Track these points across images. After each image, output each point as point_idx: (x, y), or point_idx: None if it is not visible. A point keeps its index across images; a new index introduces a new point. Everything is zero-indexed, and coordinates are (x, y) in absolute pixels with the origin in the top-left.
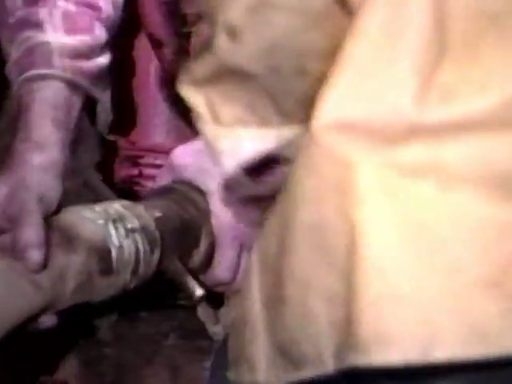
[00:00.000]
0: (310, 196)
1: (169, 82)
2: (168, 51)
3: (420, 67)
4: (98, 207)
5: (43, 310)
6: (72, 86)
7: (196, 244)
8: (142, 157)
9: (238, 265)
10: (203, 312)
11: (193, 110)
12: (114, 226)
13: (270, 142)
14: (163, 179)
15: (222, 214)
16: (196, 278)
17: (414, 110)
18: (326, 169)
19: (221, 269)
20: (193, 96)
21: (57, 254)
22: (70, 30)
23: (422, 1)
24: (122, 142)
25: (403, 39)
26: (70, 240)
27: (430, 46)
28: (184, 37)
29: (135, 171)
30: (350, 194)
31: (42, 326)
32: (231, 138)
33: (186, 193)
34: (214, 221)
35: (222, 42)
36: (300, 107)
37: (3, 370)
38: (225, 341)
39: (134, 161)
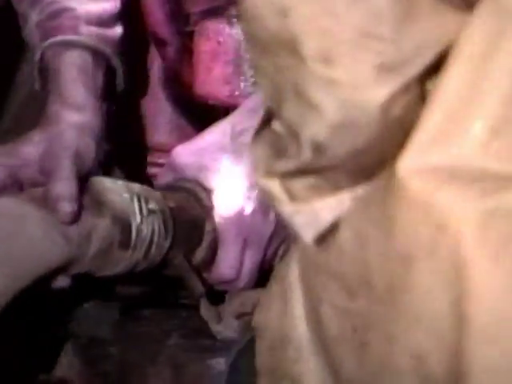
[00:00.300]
0: (393, 252)
1: (171, 81)
2: (171, 50)
3: (496, 127)
4: (122, 182)
5: (67, 266)
6: (96, 53)
7: (199, 241)
8: None
9: (241, 262)
10: (206, 311)
11: (266, 193)
12: (138, 203)
13: (345, 205)
14: (165, 178)
15: (225, 211)
16: (199, 275)
17: (496, 164)
18: (414, 219)
19: (224, 266)
20: (267, 183)
21: (86, 214)
22: None
23: (500, 77)
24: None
25: (478, 106)
26: (98, 204)
27: (506, 110)
28: (187, 36)
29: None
30: (451, 256)
31: (55, 284)
32: (308, 212)
33: (191, 189)
34: (217, 218)
35: (305, 154)
36: (374, 172)
37: (4, 367)
38: (249, 343)
39: None
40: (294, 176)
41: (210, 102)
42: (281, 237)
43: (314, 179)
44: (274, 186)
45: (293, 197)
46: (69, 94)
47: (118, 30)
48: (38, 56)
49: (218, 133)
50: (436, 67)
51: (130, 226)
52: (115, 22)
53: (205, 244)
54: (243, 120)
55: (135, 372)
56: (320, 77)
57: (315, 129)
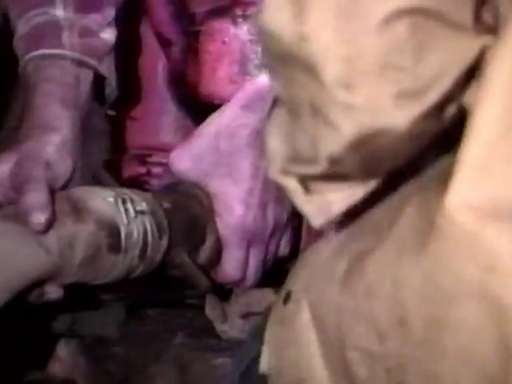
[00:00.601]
0: (434, 290)
1: (176, 81)
2: (176, 50)
3: None
4: (108, 188)
5: (51, 277)
6: (80, 65)
7: (202, 240)
8: (149, 155)
9: (246, 263)
10: (211, 310)
11: (280, 186)
12: (123, 206)
13: (357, 196)
14: (165, 181)
15: (226, 215)
16: (205, 273)
17: None
18: (461, 258)
19: (229, 267)
20: (283, 179)
21: (65, 222)
22: (81, 7)
23: None
24: (129, 141)
25: None
26: (78, 211)
27: None
28: (192, 36)
29: (143, 170)
30: (500, 296)
31: (47, 297)
32: (320, 203)
33: (189, 190)
34: (219, 221)
35: (322, 165)
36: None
37: (6, 367)
38: (254, 360)
39: (142, 159)
40: (311, 176)
41: (215, 101)
42: (281, 229)
43: (329, 178)
44: (290, 182)
45: (307, 190)
46: (40, 110)
47: (108, 38)
48: (21, 69)
49: (212, 134)
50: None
51: (117, 229)
52: (105, 30)
53: (208, 243)
54: (237, 117)
55: (140, 371)
56: (339, 101)
57: (332, 145)
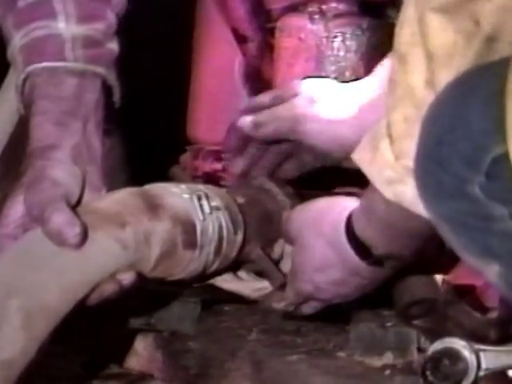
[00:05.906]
0: None
1: (252, 78)
2: (252, 46)
3: None
4: (183, 185)
5: (128, 270)
6: (84, 76)
7: (276, 235)
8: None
9: None
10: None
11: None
12: (198, 202)
13: None
14: None
15: None
16: (278, 269)
17: None
18: None
19: None
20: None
21: (141, 219)
22: (83, 18)
23: None
24: (205, 137)
25: None
26: (154, 208)
27: None
28: (268, 32)
29: (219, 166)
30: None
31: (123, 283)
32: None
33: (262, 185)
34: None
35: None
36: None
37: (87, 361)
38: None
39: (218, 155)
40: None
41: None
42: None
43: None
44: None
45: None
46: (37, 132)
47: (113, 47)
48: (20, 81)
49: None
50: None
51: (193, 225)
52: (110, 39)
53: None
54: None
55: (216, 366)
56: None
57: None
